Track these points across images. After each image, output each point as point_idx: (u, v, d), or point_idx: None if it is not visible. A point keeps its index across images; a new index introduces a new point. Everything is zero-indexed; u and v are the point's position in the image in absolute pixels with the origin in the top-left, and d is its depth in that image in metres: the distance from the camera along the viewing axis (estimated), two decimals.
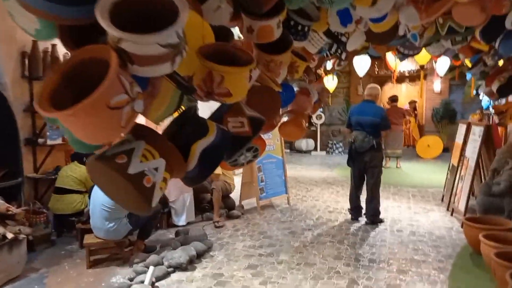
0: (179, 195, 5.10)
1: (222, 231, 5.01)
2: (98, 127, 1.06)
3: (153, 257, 3.80)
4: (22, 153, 3.96)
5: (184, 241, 4.30)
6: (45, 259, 4.11)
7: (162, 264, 3.77)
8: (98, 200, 3.84)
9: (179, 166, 1.43)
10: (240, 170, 6.48)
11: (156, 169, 1.31)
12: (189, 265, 3.87)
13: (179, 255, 3.83)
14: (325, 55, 3.31)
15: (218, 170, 5.42)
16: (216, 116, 1.80)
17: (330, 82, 11.66)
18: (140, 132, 1.36)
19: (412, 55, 3.15)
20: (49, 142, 4.84)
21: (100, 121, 1.04)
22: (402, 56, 3.67)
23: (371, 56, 3.83)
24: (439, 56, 3.46)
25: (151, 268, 3.42)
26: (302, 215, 5.66)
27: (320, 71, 3.79)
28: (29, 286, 3.53)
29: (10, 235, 3.52)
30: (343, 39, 2.54)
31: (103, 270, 3.84)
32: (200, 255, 4.10)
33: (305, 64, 2.37)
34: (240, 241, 4.61)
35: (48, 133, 4.81)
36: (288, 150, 14.03)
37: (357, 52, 3.32)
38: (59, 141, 4.98)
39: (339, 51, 3.18)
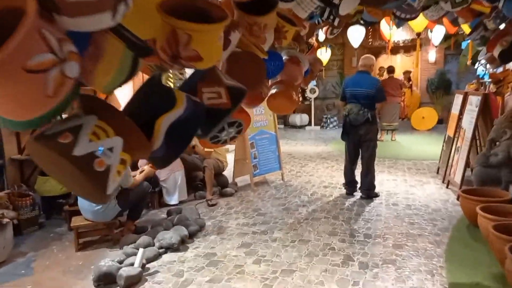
0: (169, 173, 4.97)
1: (215, 209, 4.91)
2: (14, 96, 0.83)
3: (143, 238, 3.69)
4: (3, 135, 3.77)
5: (176, 221, 4.19)
6: (32, 243, 4.00)
7: (153, 245, 3.67)
8: None
9: (140, 145, 1.24)
10: (233, 147, 6.35)
11: (110, 149, 1.11)
12: (181, 245, 3.77)
13: (170, 235, 3.72)
14: (316, 22, 3.10)
15: (210, 148, 5.28)
16: (188, 86, 1.53)
17: (324, 55, 11.46)
18: (91, 106, 1.15)
19: (410, 19, 2.94)
20: None
21: (16, 88, 0.81)
22: (399, 22, 3.45)
23: (365, 22, 3.61)
24: (436, 21, 3.25)
25: (141, 250, 3.32)
26: (296, 191, 5.57)
27: (312, 41, 3.58)
28: (16, 270, 3.42)
29: None
30: (336, 1, 2.33)
31: (93, 253, 3.74)
32: (192, 235, 4.01)
33: (295, 29, 2.17)
34: (234, 219, 4.52)
35: None
36: (282, 126, 13.89)
37: (350, 17, 3.11)
38: None
39: (332, 16, 2.97)
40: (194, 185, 5.62)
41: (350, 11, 2.65)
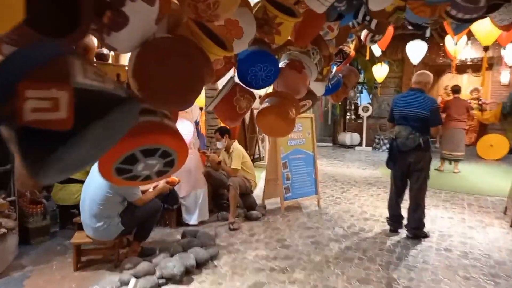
0: (190, 190, 4.57)
1: (236, 234, 4.41)
2: None
3: (144, 265, 3.28)
4: None
5: (187, 245, 3.75)
6: (36, 255, 3.76)
7: (154, 273, 3.25)
8: (88, 194, 3.39)
9: None
10: (265, 163, 5.84)
11: None
12: (186, 276, 3.32)
13: (173, 264, 3.28)
14: (351, 24, 2.53)
15: (237, 165, 4.83)
16: (3, 82, 0.81)
17: (380, 71, 10.66)
18: None
19: (469, 21, 2.27)
20: None
21: None
22: (457, 27, 2.77)
23: (412, 25, 2.92)
24: (507, 28, 2.53)
25: (133, 280, 2.91)
26: (331, 221, 4.92)
27: (349, 49, 3.00)
28: (6, 287, 3.16)
29: None
30: None
31: (91, 274, 3.39)
32: (201, 265, 3.54)
33: (293, 21, 1.62)
34: (253, 249, 3.99)
35: None
36: (331, 144, 13.17)
37: (387, 15, 2.47)
38: None
39: (368, 17, 2.39)
40: (220, 203, 5.18)
41: (385, 6, 2.05)
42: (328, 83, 2.67)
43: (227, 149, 5.03)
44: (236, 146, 4.98)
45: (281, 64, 1.86)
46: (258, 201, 5.38)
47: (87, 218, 3.39)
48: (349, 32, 2.70)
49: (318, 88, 2.50)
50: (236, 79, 1.81)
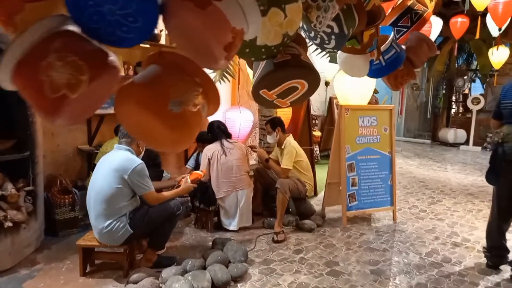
0: (230, 190, 3.91)
1: (279, 248, 3.64)
2: None
3: (147, 282, 2.73)
4: (34, 123, 3.33)
5: (208, 261, 3.11)
6: (53, 251, 3.48)
7: None
8: (93, 190, 2.94)
9: None
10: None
11: None
12: None
13: (180, 286, 2.66)
14: None
15: (288, 164, 4.03)
16: None
17: (497, 54, 8.70)
18: None
19: None
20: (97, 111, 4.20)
21: None
22: None
23: None
24: None
25: None
26: (406, 243, 3.83)
27: (424, 8, 1.92)
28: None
29: None
30: None
31: (95, 283, 2.95)
32: (220, 287, 2.87)
33: None
34: (292, 272, 3.18)
35: None
36: (429, 141, 11.41)
37: None
38: (110, 110, 4.32)
39: None
40: (270, 207, 4.43)
41: None
42: (378, 58, 1.72)
43: (279, 144, 4.24)
44: (290, 141, 4.16)
45: None
46: (319, 208, 4.52)
47: (93, 218, 2.94)
48: None
49: (356, 64, 1.59)
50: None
